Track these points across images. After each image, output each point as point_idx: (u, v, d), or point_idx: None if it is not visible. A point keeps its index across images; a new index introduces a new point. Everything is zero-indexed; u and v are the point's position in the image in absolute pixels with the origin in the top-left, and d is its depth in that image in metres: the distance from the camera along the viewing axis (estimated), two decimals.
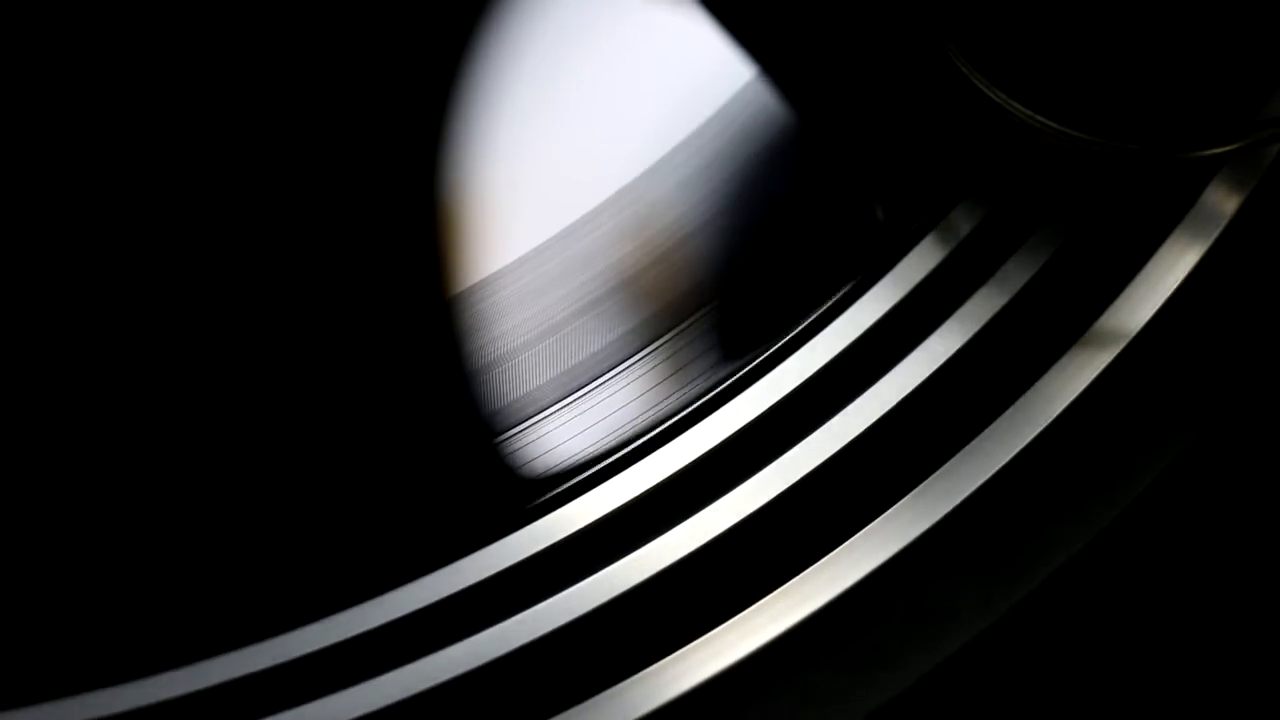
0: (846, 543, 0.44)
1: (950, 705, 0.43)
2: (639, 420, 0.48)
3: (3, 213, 0.52)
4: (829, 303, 0.47)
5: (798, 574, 0.44)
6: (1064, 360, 0.45)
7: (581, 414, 0.49)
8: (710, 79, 0.51)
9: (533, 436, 0.49)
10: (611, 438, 0.48)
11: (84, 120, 0.52)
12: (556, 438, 0.49)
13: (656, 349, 0.50)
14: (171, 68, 0.53)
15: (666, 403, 0.48)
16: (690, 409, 0.47)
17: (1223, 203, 0.45)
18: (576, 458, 0.48)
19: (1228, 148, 0.44)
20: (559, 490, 0.46)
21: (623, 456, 0.47)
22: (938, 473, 0.44)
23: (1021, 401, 0.45)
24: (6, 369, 0.51)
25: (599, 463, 0.47)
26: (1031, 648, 0.43)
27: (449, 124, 0.52)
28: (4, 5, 0.52)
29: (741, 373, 0.47)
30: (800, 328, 0.47)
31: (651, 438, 0.47)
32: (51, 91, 0.52)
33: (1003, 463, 0.44)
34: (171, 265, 0.51)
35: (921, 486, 0.44)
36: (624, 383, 0.49)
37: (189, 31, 0.53)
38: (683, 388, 0.48)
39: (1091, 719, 0.43)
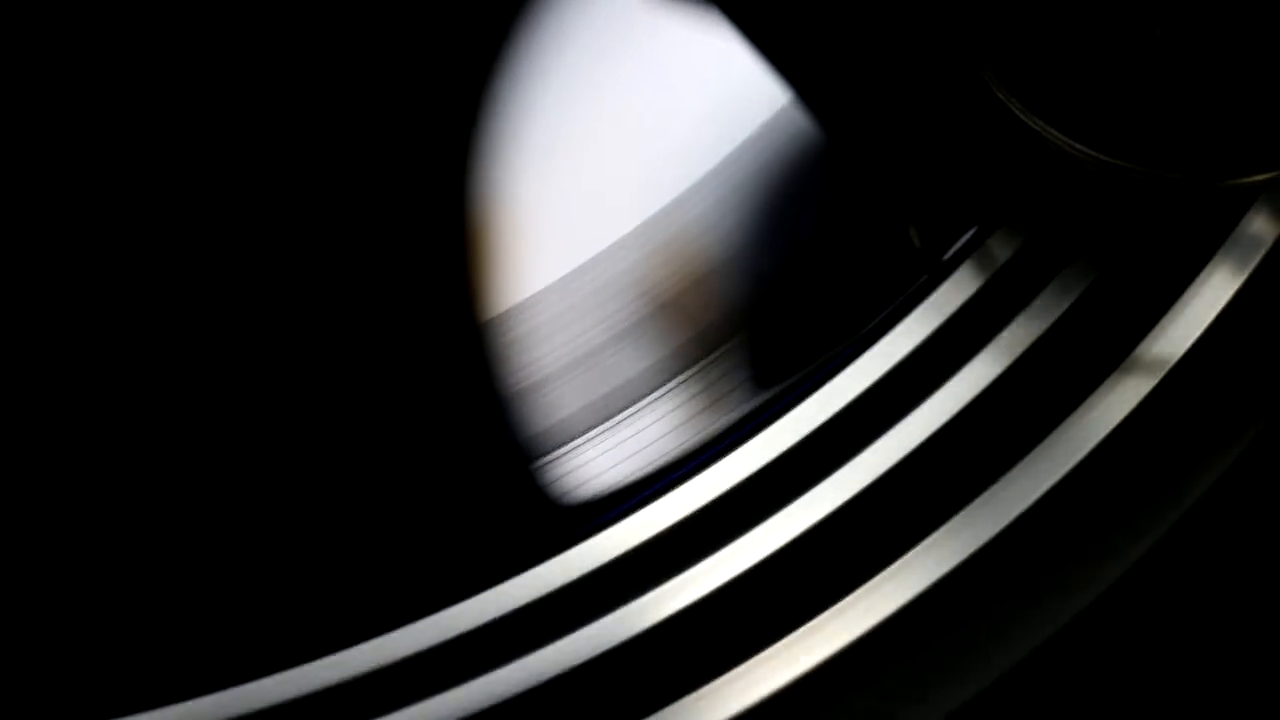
0: (884, 571, 0.44)
1: None
2: (673, 448, 0.48)
3: (10, 212, 0.52)
4: (865, 329, 0.46)
5: (835, 603, 0.44)
6: (1102, 389, 0.45)
7: (615, 442, 0.49)
8: (744, 104, 0.50)
9: (565, 464, 0.49)
10: (645, 465, 0.48)
11: (119, 146, 0.52)
12: (589, 466, 0.49)
13: (690, 376, 0.49)
14: (200, 105, 0.52)
15: (700, 430, 0.48)
16: (725, 437, 0.47)
17: (1262, 230, 0.45)
18: (610, 486, 0.48)
19: (1268, 175, 0.43)
20: (593, 518, 0.46)
21: (656, 484, 0.46)
22: (975, 502, 0.44)
23: (1059, 431, 0.44)
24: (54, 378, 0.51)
25: (633, 491, 0.47)
26: (1071, 677, 0.43)
27: (480, 149, 0.52)
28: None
29: (777, 400, 0.47)
30: (836, 355, 0.46)
31: (686, 466, 0.47)
32: (72, 102, 0.52)
33: (1041, 493, 0.44)
34: (207, 299, 0.51)
35: (959, 516, 0.44)
36: (658, 410, 0.49)
37: (214, 69, 0.53)
38: (717, 415, 0.48)
39: None
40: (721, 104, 0.51)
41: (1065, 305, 0.45)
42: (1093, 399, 0.45)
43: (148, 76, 0.52)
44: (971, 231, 0.47)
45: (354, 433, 0.50)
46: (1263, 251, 0.45)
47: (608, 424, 0.49)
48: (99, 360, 0.50)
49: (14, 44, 0.51)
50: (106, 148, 0.52)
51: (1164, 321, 0.45)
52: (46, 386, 0.50)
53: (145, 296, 0.51)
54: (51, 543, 0.48)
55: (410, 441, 0.50)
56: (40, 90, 0.52)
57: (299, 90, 0.52)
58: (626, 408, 0.49)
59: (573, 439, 0.49)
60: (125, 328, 0.50)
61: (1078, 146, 0.44)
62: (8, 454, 0.49)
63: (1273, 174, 0.43)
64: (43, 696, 0.46)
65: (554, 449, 0.49)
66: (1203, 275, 0.45)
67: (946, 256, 0.47)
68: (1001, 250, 0.46)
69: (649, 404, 0.49)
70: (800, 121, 0.51)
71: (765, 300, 0.50)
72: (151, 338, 0.50)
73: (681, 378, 0.49)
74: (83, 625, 0.47)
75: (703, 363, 0.50)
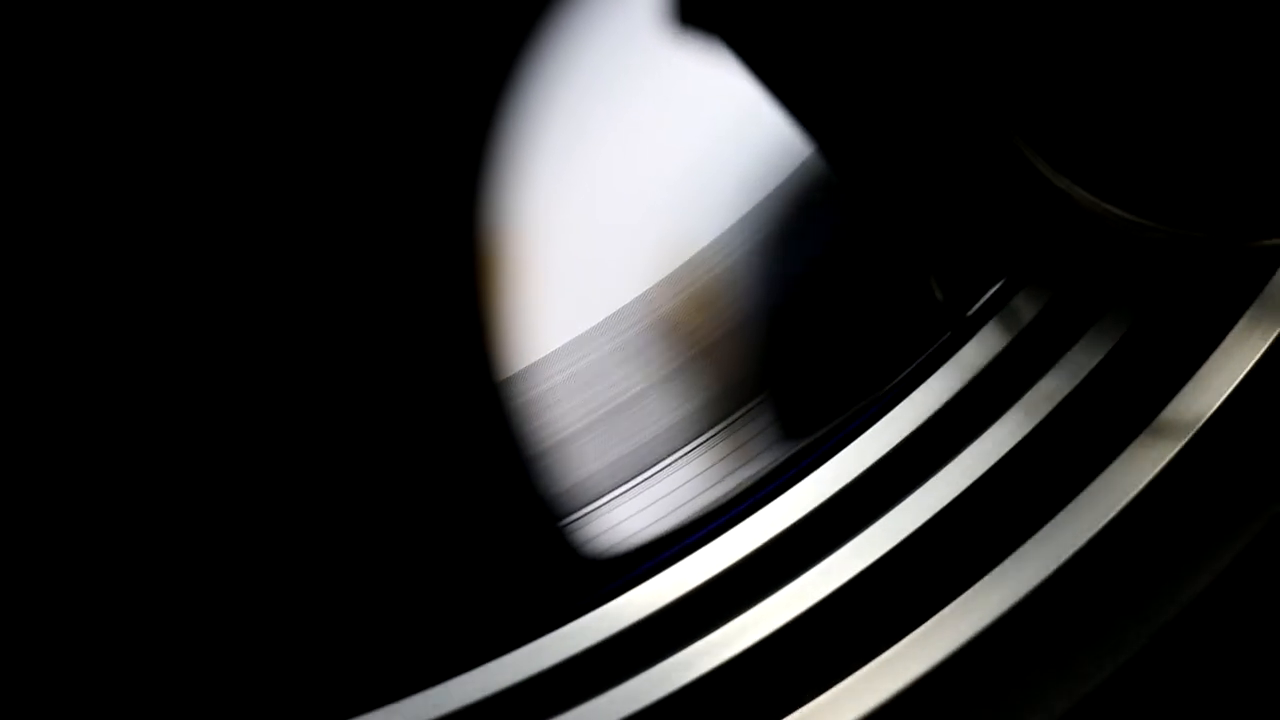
0: (912, 634, 0.44)
1: None
2: (697, 506, 0.48)
3: (10, 212, 0.52)
4: (890, 386, 0.46)
5: (864, 665, 0.44)
6: (1130, 450, 0.44)
7: (643, 499, 0.49)
8: (770, 157, 0.50)
9: (592, 523, 0.49)
10: (674, 521, 0.47)
11: (119, 162, 0.52)
12: (618, 524, 0.48)
13: (715, 435, 0.49)
14: (208, 141, 0.52)
15: (724, 489, 0.48)
16: (749, 495, 0.46)
17: None
18: (638, 543, 0.48)
19: None
20: (621, 576, 0.46)
21: (685, 542, 0.46)
22: (1003, 564, 0.44)
23: (1086, 493, 0.44)
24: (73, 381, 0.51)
25: (661, 548, 0.46)
26: None
27: (498, 204, 0.52)
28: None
29: (804, 456, 0.46)
30: (861, 411, 0.46)
31: (713, 523, 0.46)
32: (74, 102, 0.52)
33: (1070, 554, 0.43)
34: (234, 371, 0.51)
35: (987, 578, 0.44)
36: (685, 466, 0.49)
37: (222, 108, 0.53)
38: (741, 473, 0.48)
39: None
40: (747, 157, 0.51)
41: (1092, 364, 0.45)
42: (1120, 460, 0.44)
43: (157, 104, 0.52)
44: (997, 288, 0.46)
45: (380, 496, 0.50)
46: None
47: (634, 481, 0.49)
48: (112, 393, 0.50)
49: (14, 44, 0.51)
50: (126, 179, 0.52)
51: (1194, 380, 0.44)
52: (49, 390, 0.50)
53: (158, 329, 0.51)
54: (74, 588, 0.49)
55: (438, 503, 0.50)
56: (40, 90, 0.52)
57: (314, 142, 0.52)
58: (653, 464, 0.49)
59: (599, 497, 0.49)
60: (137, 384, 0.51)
61: (1104, 206, 0.43)
62: (9, 456, 0.49)
63: None
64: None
65: (581, 507, 0.49)
66: (1232, 335, 0.44)
67: (970, 313, 0.46)
68: (1027, 308, 0.46)
69: (677, 459, 0.49)
70: (826, 176, 0.50)
71: (791, 354, 0.50)
72: (154, 388, 0.51)
73: (706, 436, 0.49)
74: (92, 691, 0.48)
75: (727, 421, 0.49)
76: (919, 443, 0.45)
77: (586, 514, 0.49)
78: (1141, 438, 0.44)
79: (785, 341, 0.50)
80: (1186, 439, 0.44)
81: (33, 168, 0.51)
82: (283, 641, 0.48)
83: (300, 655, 0.47)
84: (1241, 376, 0.44)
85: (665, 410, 0.50)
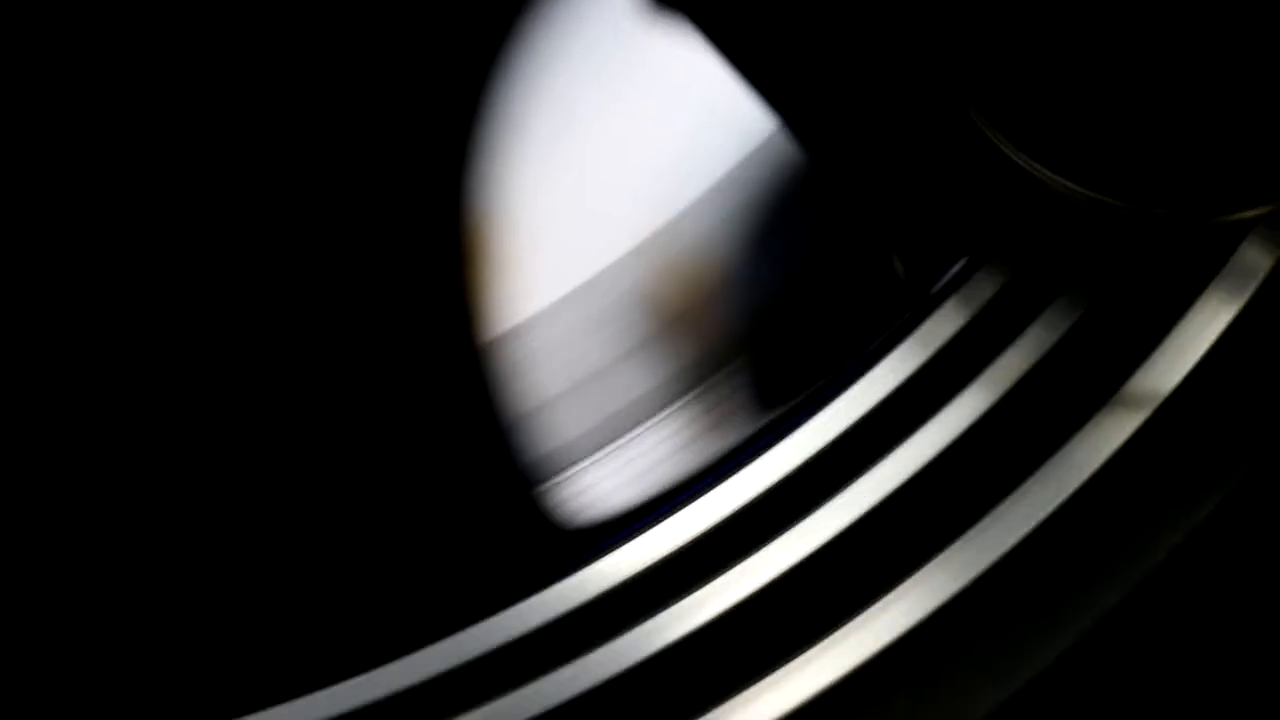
0: (876, 603, 0.44)
1: None
2: (675, 473, 0.48)
3: (10, 212, 0.52)
4: (854, 361, 0.46)
5: (830, 631, 0.44)
6: (1092, 424, 0.44)
7: (618, 465, 0.49)
8: (736, 130, 0.50)
9: (569, 489, 0.49)
10: (648, 490, 0.48)
11: (111, 151, 0.52)
12: (593, 490, 0.49)
13: (686, 403, 0.49)
14: (200, 128, 0.53)
15: (696, 457, 0.48)
16: (719, 465, 0.47)
17: (1256, 262, 0.44)
18: (613, 509, 0.48)
19: (1256, 211, 0.43)
20: (597, 543, 0.46)
21: (660, 510, 0.47)
22: (965, 536, 0.44)
23: (1050, 465, 0.44)
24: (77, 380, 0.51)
25: (636, 516, 0.47)
26: (1059, 713, 0.43)
27: (477, 172, 0.52)
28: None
29: (775, 426, 0.47)
30: (826, 388, 0.46)
31: (689, 490, 0.47)
32: (72, 102, 0.52)
33: (1031, 527, 0.44)
34: (209, 325, 0.51)
35: (949, 549, 0.44)
36: (659, 433, 0.49)
37: (213, 91, 0.53)
38: (712, 442, 0.48)
39: None
40: (715, 129, 0.51)
41: (1055, 339, 0.45)
42: (1083, 433, 0.44)
43: (144, 77, 0.52)
44: (960, 265, 0.46)
45: (355, 459, 0.50)
46: (1255, 284, 0.44)
47: (610, 448, 0.49)
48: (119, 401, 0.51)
49: (14, 44, 0.51)
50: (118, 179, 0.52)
51: (1155, 355, 0.45)
52: (48, 391, 0.50)
53: (144, 313, 0.51)
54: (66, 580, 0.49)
55: (413, 468, 0.50)
56: (40, 90, 0.52)
57: (299, 114, 0.52)
58: (627, 431, 0.49)
59: (575, 463, 0.49)
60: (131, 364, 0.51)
61: (1064, 182, 0.43)
62: (9, 457, 0.50)
63: (1263, 210, 0.43)
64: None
65: (556, 474, 0.49)
66: (1195, 308, 0.45)
67: (934, 290, 0.46)
68: (989, 284, 0.46)
69: (652, 425, 0.49)
70: (789, 152, 0.50)
71: (760, 327, 0.50)
72: (147, 363, 0.51)
73: (678, 404, 0.49)
74: (72, 650, 0.48)
75: (698, 390, 0.49)
76: (884, 416, 0.46)
77: (561, 480, 0.49)
78: (1104, 412, 0.44)
79: (754, 315, 0.50)
80: (1149, 413, 0.44)
81: (23, 167, 0.51)
82: (256, 608, 0.48)
83: (274, 622, 0.48)
84: (1204, 351, 0.44)
85: (638, 378, 0.50)
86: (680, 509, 0.46)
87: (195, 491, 0.49)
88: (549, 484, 0.49)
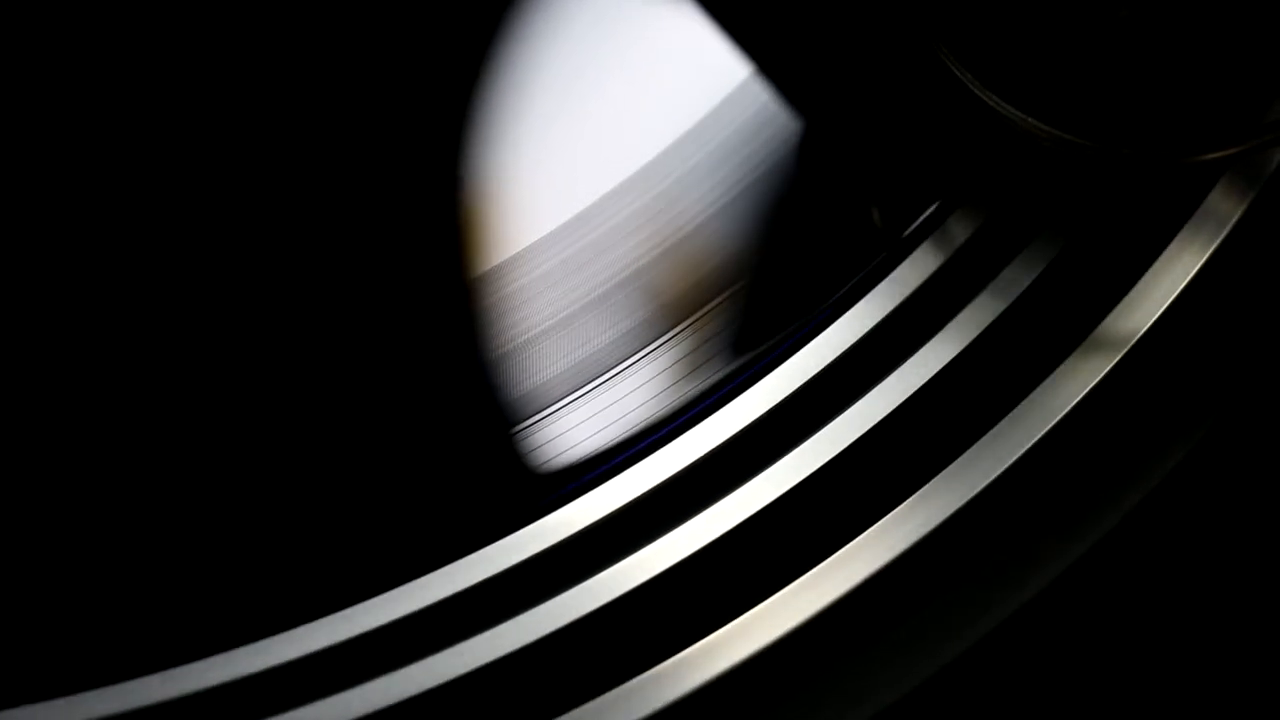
0: (849, 544, 0.44)
1: (948, 713, 0.43)
2: (647, 414, 0.48)
3: (11, 212, 0.52)
4: (828, 302, 0.46)
5: (803, 573, 0.44)
6: (1065, 366, 0.44)
7: (592, 407, 0.49)
8: (711, 76, 0.50)
9: (543, 430, 0.49)
10: (622, 432, 0.48)
11: (105, 118, 0.52)
12: (567, 431, 0.49)
13: (663, 344, 0.49)
14: (192, 56, 0.53)
15: (673, 397, 0.48)
16: (695, 406, 0.47)
17: (1226, 207, 0.44)
18: (587, 451, 0.48)
19: (1225, 152, 0.43)
20: (570, 483, 0.46)
21: (631, 451, 0.47)
22: (939, 477, 0.44)
23: (1022, 406, 0.44)
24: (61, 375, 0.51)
25: (609, 457, 0.47)
26: (1031, 655, 0.43)
27: (463, 114, 0.52)
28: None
29: (745, 372, 0.47)
30: (798, 331, 0.46)
31: (659, 433, 0.47)
32: (72, 102, 0.52)
33: (1004, 467, 0.44)
34: (188, 243, 0.51)
35: (923, 490, 0.44)
36: (632, 377, 0.49)
37: (211, 21, 0.53)
38: (690, 383, 0.48)
39: None
40: (690, 76, 0.51)
41: (1027, 282, 0.45)
42: (1055, 376, 0.44)
43: (135, 47, 0.52)
44: (932, 209, 0.46)
45: (330, 396, 0.50)
46: (1227, 228, 0.44)
47: (584, 390, 0.49)
48: (71, 314, 0.51)
49: (14, 44, 0.52)
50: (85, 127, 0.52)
51: (1128, 298, 0.45)
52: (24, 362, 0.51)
53: (120, 248, 0.51)
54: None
55: (389, 406, 0.50)
56: (40, 90, 0.52)
57: (291, 52, 0.52)
58: (604, 373, 0.49)
59: (550, 405, 0.49)
60: (108, 287, 0.51)
61: (1032, 121, 0.43)
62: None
63: (1233, 150, 0.43)
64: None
65: (533, 414, 0.49)
66: (1167, 252, 0.45)
67: (906, 233, 0.46)
68: (962, 228, 0.46)
69: (626, 369, 0.49)
70: (763, 95, 0.50)
71: (736, 270, 0.50)
72: (122, 290, 0.51)
73: (655, 345, 0.49)
74: (45, 589, 0.48)
75: (675, 331, 0.49)
76: (856, 360, 0.46)
77: (538, 421, 0.49)
78: (1076, 354, 0.44)
79: (729, 260, 0.50)
80: (1120, 355, 0.44)
81: (22, 167, 0.52)
82: (225, 549, 0.48)
83: (247, 561, 0.48)
84: (1176, 293, 0.44)
85: (615, 321, 0.50)
86: (655, 450, 0.46)
87: (166, 432, 0.49)
88: (525, 424, 0.49)
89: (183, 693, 0.45)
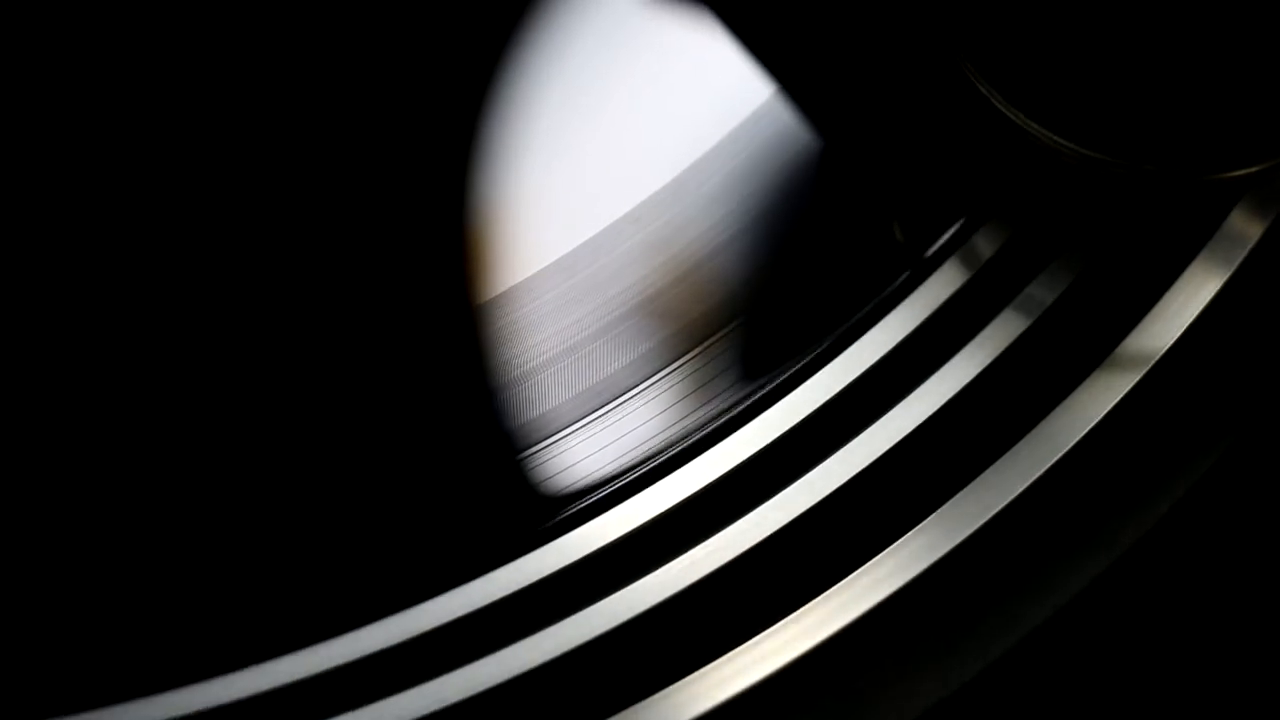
0: (869, 564, 0.44)
1: None
2: (658, 439, 0.48)
3: (11, 212, 0.52)
4: (849, 324, 0.46)
5: (818, 596, 0.44)
6: (1087, 384, 0.45)
7: (601, 433, 0.49)
8: (730, 97, 0.50)
9: (553, 454, 0.49)
10: (631, 456, 0.48)
11: (113, 123, 0.52)
12: (576, 456, 0.49)
13: (677, 369, 0.49)
14: (204, 73, 0.53)
15: (686, 422, 0.48)
16: (710, 429, 0.47)
17: (1248, 226, 0.45)
18: (596, 476, 0.48)
19: (1248, 170, 0.43)
20: (578, 508, 0.46)
21: (642, 476, 0.46)
22: (959, 495, 0.44)
23: (1044, 425, 0.44)
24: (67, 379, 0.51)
25: (618, 481, 0.47)
26: (1052, 671, 0.43)
27: (474, 137, 0.52)
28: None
29: (762, 393, 0.47)
30: (821, 349, 0.46)
31: (671, 457, 0.46)
32: (72, 102, 0.52)
33: (1024, 486, 0.44)
34: (197, 268, 0.51)
35: (943, 509, 0.44)
36: (644, 402, 0.49)
37: (221, 38, 0.53)
38: (702, 408, 0.48)
39: None
40: (708, 98, 0.51)
41: (1050, 300, 0.45)
42: (1076, 394, 0.45)
43: (153, 50, 0.52)
44: (956, 227, 0.47)
45: (338, 419, 0.50)
46: (1248, 247, 0.45)
47: (593, 415, 0.49)
48: (77, 321, 0.50)
49: (14, 44, 0.52)
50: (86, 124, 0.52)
51: (1150, 316, 0.45)
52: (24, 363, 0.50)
53: (127, 263, 0.51)
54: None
55: (394, 430, 0.50)
56: (41, 90, 0.52)
57: (296, 69, 0.52)
58: (613, 399, 0.49)
59: (559, 430, 0.49)
60: (112, 299, 0.51)
61: (1057, 139, 0.44)
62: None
63: (1255, 168, 0.43)
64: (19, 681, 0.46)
65: (540, 440, 0.49)
66: (1188, 271, 0.45)
67: (930, 253, 0.47)
68: (986, 246, 0.46)
69: (636, 394, 0.49)
70: (784, 115, 0.51)
71: (751, 293, 0.50)
72: (129, 304, 0.51)
73: (668, 370, 0.49)
74: (54, 609, 0.47)
75: (689, 355, 0.49)
76: (879, 378, 0.46)
77: (545, 445, 0.49)
78: (1098, 373, 0.45)
79: (747, 278, 0.50)
80: (1143, 374, 0.44)
81: (26, 167, 0.52)
82: (233, 573, 0.48)
83: (253, 586, 0.47)
84: (1199, 311, 0.44)
85: (626, 346, 0.50)
86: (669, 473, 0.46)
87: (172, 451, 0.49)
88: (532, 449, 0.49)
89: (172, 714, 0.44)
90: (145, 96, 0.52)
